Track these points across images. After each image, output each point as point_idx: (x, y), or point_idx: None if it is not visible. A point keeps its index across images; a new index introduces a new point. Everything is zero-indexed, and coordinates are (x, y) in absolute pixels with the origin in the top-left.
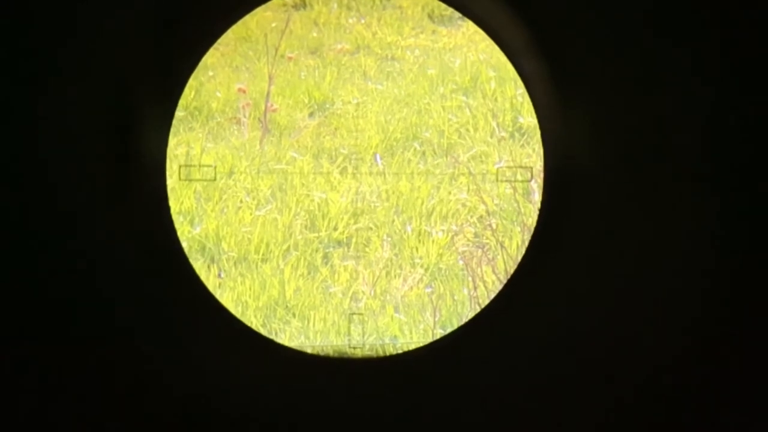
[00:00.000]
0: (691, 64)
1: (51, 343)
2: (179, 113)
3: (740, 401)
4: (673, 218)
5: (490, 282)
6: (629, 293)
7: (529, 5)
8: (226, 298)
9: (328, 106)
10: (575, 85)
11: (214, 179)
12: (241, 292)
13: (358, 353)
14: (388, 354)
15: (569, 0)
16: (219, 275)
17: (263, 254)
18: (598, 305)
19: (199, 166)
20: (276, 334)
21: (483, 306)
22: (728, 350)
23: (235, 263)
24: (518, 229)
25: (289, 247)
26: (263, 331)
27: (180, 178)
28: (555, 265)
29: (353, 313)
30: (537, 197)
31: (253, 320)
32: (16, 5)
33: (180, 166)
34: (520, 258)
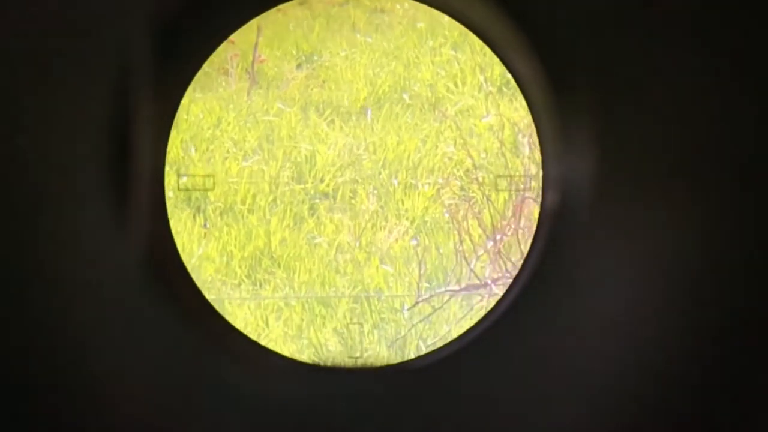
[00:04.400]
0: (691, 64)
1: (46, 349)
2: None
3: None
4: (673, 219)
5: (476, 236)
6: (631, 296)
7: (528, 7)
8: (212, 248)
9: (316, 58)
10: (575, 86)
11: (213, 188)
12: (227, 242)
13: (358, 363)
14: (389, 364)
15: (569, 2)
16: (204, 225)
17: (249, 205)
18: (602, 311)
19: (193, 176)
20: (261, 285)
21: (478, 305)
22: (732, 351)
23: (221, 213)
24: (505, 183)
25: (275, 198)
26: (248, 282)
27: (178, 189)
28: (556, 271)
29: (350, 323)
30: (527, 152)
31: (237, 270)
32: (16, 5)
33: (179, 175)
34: (506, 212)
